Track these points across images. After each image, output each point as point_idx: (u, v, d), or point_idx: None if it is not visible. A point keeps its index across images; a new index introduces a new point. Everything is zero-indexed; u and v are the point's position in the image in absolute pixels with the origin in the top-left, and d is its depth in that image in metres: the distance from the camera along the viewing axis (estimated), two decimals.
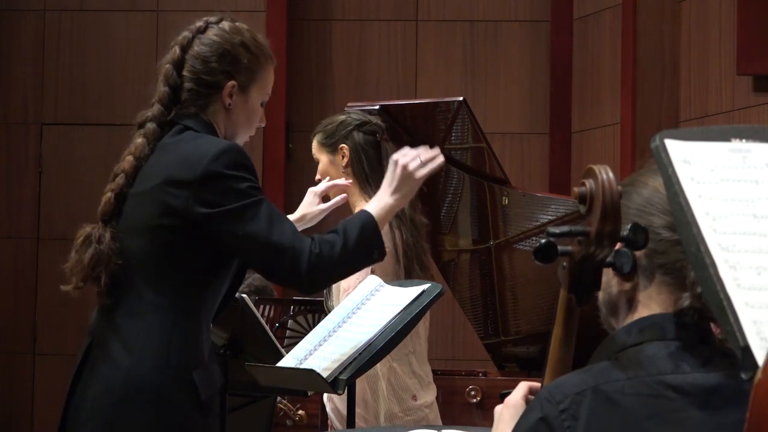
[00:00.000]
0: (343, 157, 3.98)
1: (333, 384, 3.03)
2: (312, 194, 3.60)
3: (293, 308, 4.66)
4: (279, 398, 4.53)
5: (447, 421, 4.06)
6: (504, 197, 4.72)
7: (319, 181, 3.92)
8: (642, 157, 1.79)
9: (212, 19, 2.95)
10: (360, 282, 3.40)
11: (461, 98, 4.54)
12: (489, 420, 1.84)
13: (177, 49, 2.90)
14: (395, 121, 4.53)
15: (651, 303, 1.70)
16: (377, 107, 4.43)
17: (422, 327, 3.98)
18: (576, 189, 1.66)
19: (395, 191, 2.91)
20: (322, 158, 4.03)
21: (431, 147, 2.94)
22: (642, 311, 1.70)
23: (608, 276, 1.73)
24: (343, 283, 3.75)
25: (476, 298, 4.97)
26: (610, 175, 1.63)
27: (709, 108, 6.15)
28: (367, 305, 3.23)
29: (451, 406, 4.17)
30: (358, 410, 3.77)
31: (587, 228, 1.64)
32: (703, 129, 1.62)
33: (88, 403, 2.76)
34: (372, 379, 3.86)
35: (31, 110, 7.43)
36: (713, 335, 1.69)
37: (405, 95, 7.20)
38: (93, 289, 2.81)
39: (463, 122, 4.56)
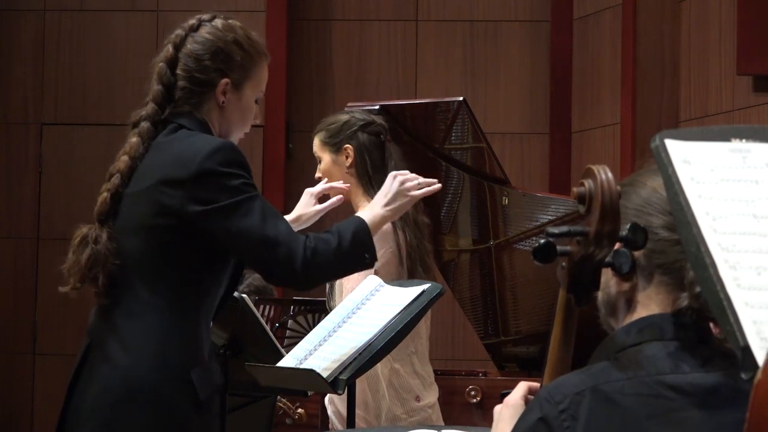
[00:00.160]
0: (347, 157, 3.97)
1: (333, 384, 3.03)
2: (308, 195, 3.59)
3: (293, 308, 4.66)
4: (278, 397, 4.53)
5: (447, 421, 4.06)
6: (504, 197, 4.72)
7: (320, 179, 3.91)
8: (642, 157, 1.79)
9: (205, 16, 2.95)
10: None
11: (461, 98, 4.54)
12: (489, 420, 1.84)
13: (170, 48, 2.91)
14: (395, 121, 4.53)
15: (650, 303, 1.70)
16: (377, 107, 4.42)
17: (423, 327, 3.97)
18: (575, 189, 1.66)
19: (388, 204, 3.00)
20: (325, 157, 4.02)
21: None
22: (641, 311, 1.70)
23: (607, 276, 1.73)
24: (347, 284, 3.75)
25: (476, 298, 4.97)
26: (609, 175, 1.63)
27: (709, 108, 6.15)
28: (367, 305, 3.23)
29: (451, 406, 4.16)
30: (359, 412, 3.76)
31: (586, 228, 1.64)
32: (703, 129, 1.62)
33: (87, 404, 2.76)
34: (373, 381, 3.85)
35: (31, 110, 7.43)
36: (712, 335, 1.69)
37: (405, 95, 7.20)
38: (92, 290, 2.81)
39: (463, 122, 4.56)
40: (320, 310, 4.36)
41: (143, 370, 2.72)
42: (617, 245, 1.66)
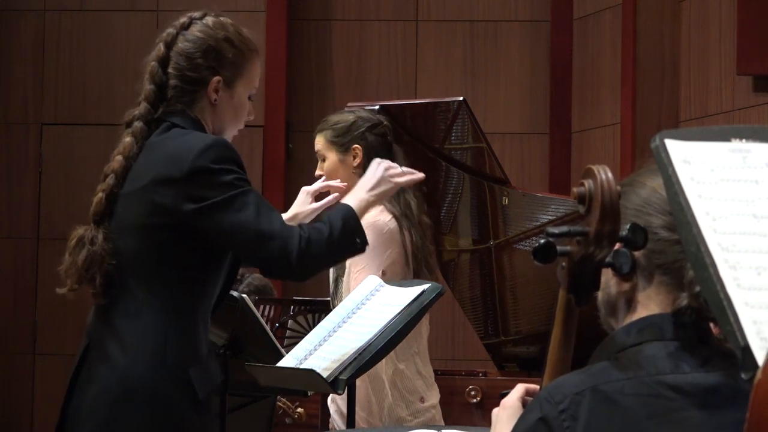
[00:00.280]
0: (354, 157, 3.93)
1: (333, 384, 3.03)
2: (305, 193, 3.58)
3: (293, 308, 4.66)
4: (278, 396, 4.53)
5: (447, 421, 4.06)
6: (504, 197, 4.72)
7: (320, 177, 3.90)
8: (642, 157, 1.79)
9: (196, 14, 2.94)
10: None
11: (461, 98, 4.54)
12: (489, 420, 1.84)
13: (161, 46, 2.91)
14: (395, 121, 4.52)
15: (650, 303, 1.70)
16: (377, 107, 4.42)
17: (424, 327, 3.97)
18: (575, 189, 1.66)
19: (373, 189, 3.01)
20: (330, 156, 3.98)
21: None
22: (641, 311, 1.70)
23: (607, 276, 1.73)
24: (353, 285, 3.74)
25: (476, 298, 4.97)
26: (609, 175, 1.63)
27: (709, 108, 6.15)
28: (367, 305, 3.23)
29: (451, 406, 4.17)
30: (362, 414, 3.76)
31: (586, 228, 1.64)
32: (703, 129, 1.62)
33: (86, 404, 2.77)
34: (376, 383, 3.83)
35: (31, 110, 7.43)
36: (712, 335, 1.69)
37: (405, 95, 7.20)
38: (89, 291, 2.82)
39: (463, 122, 4.56)
40: (320, 310, 4.37)
41: (141, 369, 2.73)
42: (617, 245, 1.66)
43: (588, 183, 1.64)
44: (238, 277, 5.00)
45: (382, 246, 3.80)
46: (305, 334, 3.34)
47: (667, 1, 6.43)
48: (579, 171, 6.20)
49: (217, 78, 2.87)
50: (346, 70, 7.43)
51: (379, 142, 3.96)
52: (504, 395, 1.84)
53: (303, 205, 3.55)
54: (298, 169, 7.14)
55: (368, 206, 3.01)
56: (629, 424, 1.61)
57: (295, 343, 3.32)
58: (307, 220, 3.55)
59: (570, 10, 7.21)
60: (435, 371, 4.13)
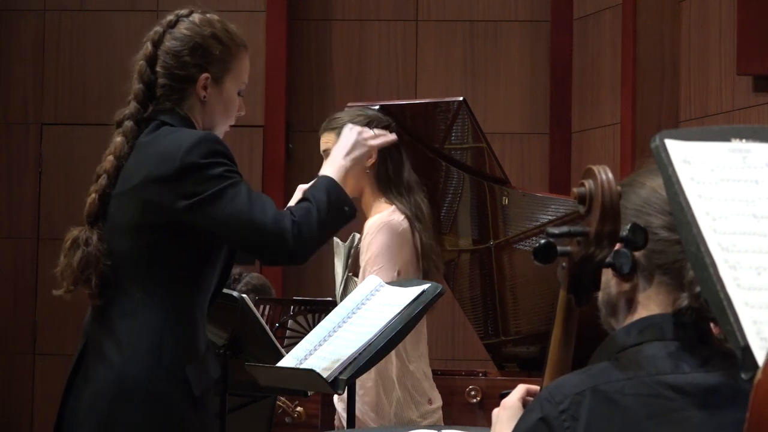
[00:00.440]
0: (368, 157, 3.90)
1: (333, 384, 3.03)
2: (301, 192, 3.58)
3: (293, 308, 4.66)
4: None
5: (447, 421, 4.06)
6: (504, 197, 4.72)
7: None
8: (642, 157, 1.79)
9: (183, 12, 2.95)
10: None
11: (461, 98, 4.54)
12: (489, 420, 1.84)
13: (149, 45, 2.91)
14: (395, 121, 4.52)
15: (650, 303, 1.70)
16: (377, 107, 4.41)
17: (425, 328, 3.97)
18: (575, 189, 1.66)
19: (348, 153, 3.01)
20: None
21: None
22: (641, 312, 1.70)
23: (607, 276, 1.73)
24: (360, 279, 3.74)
25: (476, 298, 4.97)
26: (609, 175, 1.63)
27: (709, 108, 6.15)
28: (367, 305, 3.23)
29: (451, 406, 4.16)
30: (372, 415, 3.75)
31: (586, 228, 1.64)
32: (703, 129, 1.62)
33: (83, 404, 2.77)
34: (388, 384, 3.81)
35: (31, 110, 7.42)
36: (712, 335, 1.69)
37: (405, 95, 7.20)
38: (85, 292, 2.82)
39: (463, 122, 4.56)
40: (320, 310, 4.36)
41: (138, 368, 2.73)
42: (617, 245, 1.66)
43: (588, 183, 1.64)
44: (236, 277, 4.99)
45: (397, 246, 3.80)
46: (305, 334, 3.34)
47: (667, 1, 6.43)
48: (579, 171, 6.20)
49: (205, 75, 2.88)
50: (346, 70, 7.43)
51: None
52: (504, 395, 1.84)
53: None
54: (298, 169, 7.13)
55: (347, 172, 2.99)
56: (629, 424, 1.61)
57: (295, 343, 3.32)
58: None
59: (570, 10, 7.21)
60: (435, 371, 4.13)
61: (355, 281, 3.96)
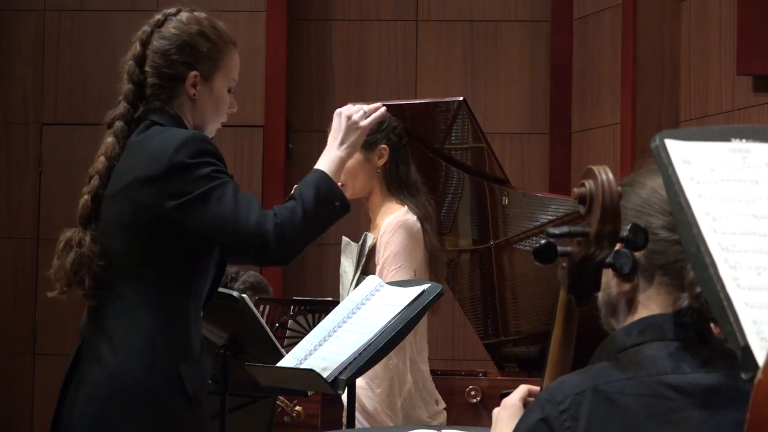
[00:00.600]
0: (379, 157, 3.89)
1: (333, 384, 3.03)
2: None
3: (293, 308, 4.66)
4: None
5: (447, 421, 4.06)
6: (504, 197, 4.72)
7: None
8: (642, 157, 1.79)
9: (171, 11, 2.95)
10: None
11: (461, 98, 4.54)
12: (489, 420, 1.84)
13: (137, 45, 2.91)
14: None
15: (650, 304, 1.70)
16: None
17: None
18: (575, 189, 1.66)
19: (342, 142, 2.94)
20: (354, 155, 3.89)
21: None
22: (642, 312, 1.70)
23: (608, 277, 1.73)
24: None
25: (476, 298, 4.97)
26: (610, 175, 1.63)
27: (709, 108, 6.15)
28: (367, 305, 3.23)
29: (451, 406, 4.16)
30: (389, 412, 3.75)
31: (587, 228, 1.64)
32: (703, 129, 1.62)
33: (79, 404, 2.78)
34: (404, 383, 3.81)
35: (31, 110, 7.43)
36: (713, 335, 1.69)
37: (405, 95, 7.20)
38: (79, 293, 2.82)
39: (463, 122, 4.56)
40: (320, 310, 4.36)
41: (132, 368, 2.73)
42: (618, 246, 1.66)
43: (588, 183, 1.64)
44: (233, 275, 4.99)
45: (414, 245, 3.80)
46: (305, 334, 3.34)
47: (667, 1, 6.43)
48: (579, 171, 6.22)
49: (193, 73, 2.88)
50: (346, 70, 7.43)
51: (400, 144, 3.94)
52: (505, 395, 1.84)
53: None
54: (298, 169, 7.13)
55: (342, 162, 2.93)
56: (630, 424, 1.61)
57: (295, 343, 3.32)
58: None
59: (570, 10, 7.21)
60: (435, 371, 4.14)
61: None
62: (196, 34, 2.89)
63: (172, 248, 2.78)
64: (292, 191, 2.90)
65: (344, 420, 3.92)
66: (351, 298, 3.30)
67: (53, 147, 7.38)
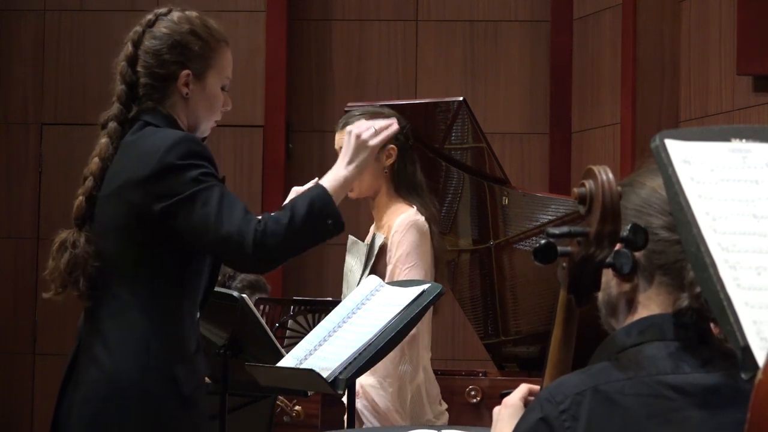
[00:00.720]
0: (387, 157, 3.88)
1: (333, 384, 3.03)
2: (295, 193, 3.56)
3: (293, 308, 4.66)
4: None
5: (448, 421, 4.06)
6: (504, 197, 4.72)
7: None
8: (642, 157, 1.79)
9: (162, 10, 2.95)
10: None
11: (461, 98, 4.54)
12: (489, 420, 1.84)
13: (129, 46, 2.92)
14: None
15: (650, 304, 1.70)
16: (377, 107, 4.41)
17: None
18: (576, 189, 1.66)
19: (350, 162, 2.88)
20: None
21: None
22: (642, 312, 1.70)
23: (608, 277, 1.73)
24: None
25: (476, 298, 4.97)
26: (610, 175, 1.63)
27: (709, 108, 6.15)
28: (367, 305, 3.23)
29: (451, 406, 4.16)
30: (400, 409, 3.75)
31: (587, 228, 1.64)
32: (703, 129, 1.62)
33: (76, 406, 2.78)
34: (414, 382, 3.80)
35: (31, 110, 7.43)
36: (713, 335, 1.69)
37: (405, 95, 7.20)
38: (74, 294, 2.82)
39: (463, 122, 4.56)
40: (320, 310, 4.36)
41: (127, 369, 2.73)
42: (618, 246, 1.66)
43: (589, 183, 1.64)
44: (231, 274, 4.99)
45: (425, 245, 3.81)
46: (305, 334, 3.34)
47: (667, 1, 6.43)
48: (579, 171, 6.21)
49: (186, 72, 2.87)
50: (346, 70, 7.43)
51: (407, 144, 3.93)
52: (505, 395, 1.84)
53: None
54: (298, 169, 7.13)
55: (348, 182, 2.87)
56: (630, 424, 1.61)
57: (295, 343, 3.32)
58: None
59: (570, 10, 7.21)
60: (435, 371, 4.14)
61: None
62: (188, 33, 2.89)
63: (166, 249, 2.78)
64: (286, 200, 2.88)
65: (358, 422, 3.94)
66: (351, 298, 3.30)
67: (53, 147, 7.38)
